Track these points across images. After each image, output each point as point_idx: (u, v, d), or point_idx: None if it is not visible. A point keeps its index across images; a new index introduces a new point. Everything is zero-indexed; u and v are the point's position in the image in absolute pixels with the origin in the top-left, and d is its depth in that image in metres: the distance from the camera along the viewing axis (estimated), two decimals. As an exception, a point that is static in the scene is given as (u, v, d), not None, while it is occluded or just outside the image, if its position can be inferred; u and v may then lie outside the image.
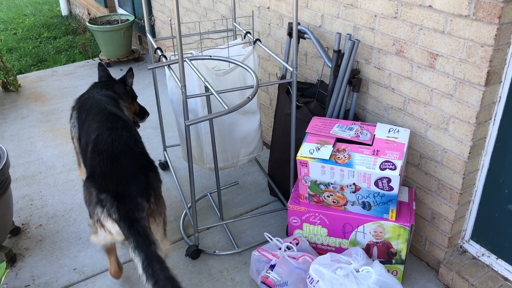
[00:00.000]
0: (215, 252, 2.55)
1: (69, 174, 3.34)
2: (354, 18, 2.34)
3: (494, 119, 1.99)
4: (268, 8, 3.01)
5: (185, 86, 2.09)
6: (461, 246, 2.33)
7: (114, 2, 6.41)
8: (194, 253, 2.51)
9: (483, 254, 2.26)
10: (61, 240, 2.71)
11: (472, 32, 1.82)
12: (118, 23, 5.25)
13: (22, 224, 2.85)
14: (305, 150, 2.15)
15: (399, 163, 2.00)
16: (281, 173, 2.79)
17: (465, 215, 2.24)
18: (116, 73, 5.17)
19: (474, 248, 2.29)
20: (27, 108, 4.41)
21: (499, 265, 2.19)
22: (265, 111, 3.48)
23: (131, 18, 5.34)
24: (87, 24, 5.22)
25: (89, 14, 6.20)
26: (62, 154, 3.59)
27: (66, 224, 2.83)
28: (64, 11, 8.04)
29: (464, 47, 1.87)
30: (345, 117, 2.48)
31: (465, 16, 1.82)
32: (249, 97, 2.10)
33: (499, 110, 1.96)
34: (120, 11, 6.28)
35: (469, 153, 2.01)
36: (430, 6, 1.95)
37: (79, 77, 5.08)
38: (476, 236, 2.28)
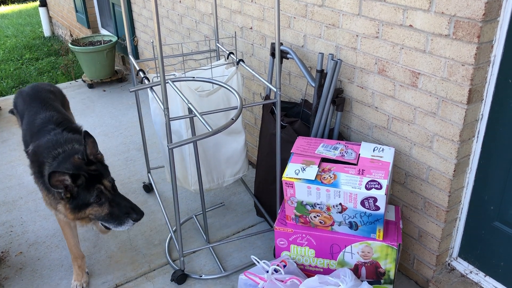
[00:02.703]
0: (201, 276, 2.50)
1: (51, 198, 3.26)
2: (336, 38, 2.36)
3: (478, 137, 2.00)
4: (251, 28, 3.02)
5: (167, 108, 2.07)
6: (449, 264, 2.32)
7: (97, 23, 6.40)
8: (180, 278, 2.46)
9: (471, 272, 2.25)
10: (42, 267, 2.63)
11: (453, 51, 1.84)
12: (100, 44, 5.23)
13: (2, 252, 2.76)
14: (291, 171, 2.14)
15: (384, 182, 1.99)
16: (267, 193, 2.76)
17: (452, 232, 2.23)
18: (99, 94, 5.13)
19: (462, 266, 2.28)
20: (7, 131, 4.33)
21: (488, 283, 2.18)
22: (250, 131, 3.47)
23: (114, 39, 5.32)
24: (69, 45, 5.18)
25: (71, 35, 6.17)
26: (44, 178, 3.51)
27: (48, 251, 2.75)
28: (46, 32, 8.00)
29: (446, 66, 1.88)
30: (330, 136, 2.47)
31: (445, 35, 1.84)
32: (233, 119, 2.08)
33: (481, 127, 1.97)
34: (103, 31, 6.27)
35: (454, 170, 2.01)
36: (410, 25, 1.96)
37: (62, 98, 5.02)
38: (464, 253, 2.27)
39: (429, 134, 2.05)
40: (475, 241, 2.19)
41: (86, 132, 2.11)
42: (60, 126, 2.47)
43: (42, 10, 7.91)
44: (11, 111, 3.01)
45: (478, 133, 1.99)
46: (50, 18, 8.06)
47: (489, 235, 2.12)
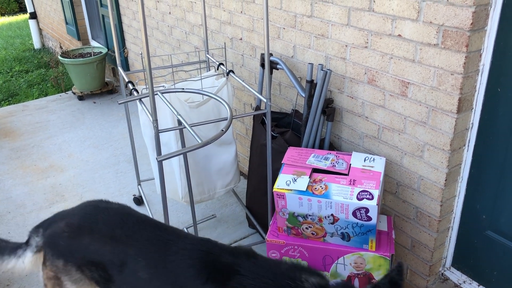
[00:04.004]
0: (192, 290, 2.45)
1: (40, 212, 3.21)
2: (326, 48, 2.35)
3: (468, 146, 2.00)
4: (241, 39, 3.01)
5: (156, 120, 2.05)
6: (442, 274, 2.30)
7: (87, 35, 6.38)
8: (171, 292, 2.42)
9: (464, 282, 2.23)
10: (31, 284, 2.57)
11: (442, 60, 1.84)
12: (91, 55, 5.21)
13: (-11, 268, 2.71)
14: (282, 182, 2.12)
15: (376, 193, 1.98)
16: (259, 204, 2.74)
17: (445, 242, 2.22)
18: (89, 106, 5.09)
19: (456, 276, 2.27)
20: (-4, 144, 4.28)
21: (481, 292, 2.17)
22: (241, 141, 3.45)
23: (104, 50, 5.30)
24: (59, 57, 5.15)
25: (61, 47, 6.14)
26: (33, 192, 3.47)
27: (36, 266, 2.70)
28: (36, 45, 7.97)
29: (435, 75, 1.88)
30: (321, 146, 2.46)
31: (434, 45, 1.84)
32: (223, 130, 2.07)
33: (472, 136, 1.97)
34: (94, 43, 6.25)
35: (445, 180, 2.00)
36: (399, 35, 1.97)
37: (51, 111, 4.98)
38: (457, 263, 2.25)
39: (419, 144, 2.05)
40: (468, 250, 2.18)
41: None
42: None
43: (32, 23, 7.88)
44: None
45: (469, 142, 1.99)
46: (40, 30, 8.04)
47: (482, 244, 2.11)
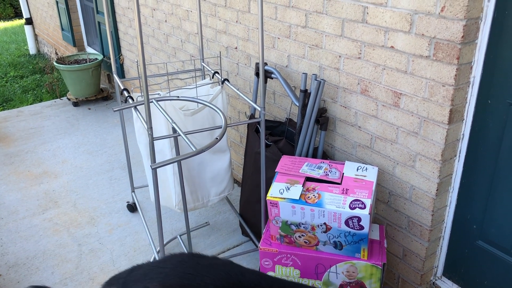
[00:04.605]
0: (185, 297, 2.45)
1: (33, 219, 3.21)
2: (320, 58, 2.38)
3: (459, 156, 2.02)
4: (236, 48, 3.04)
5: (151, 128, 2.06)
6: (433, 283, 2.32)
7: (83, 41, 6.39)
8: (163, 299, 2.41)
9: (455, 291, 2.25)
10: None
11: (433, 72, 1.87)
12: (86, 62, 5.22)
13: (-20, 275, 2.70)
14: (275, 190, 2.13)
15: (368, 202, 2.00)
16: (252, 212, 2.75)
17: (436, 251, 2.24)
18: (84, 112, 5.09)
19: (447, 285, 2.28)
20: (-11, 150, 4.27)
21: (472, 302, 2.18)
22: (235, 149, 3.47)
23: (100, 57, 5.31)
24: (55, 63, 5.16)
25: (57, 53, 6.15)
26: (26, 198, 3.46)
27: (28, 273, 2.69)
28: (32, 50, 7.97)
29: (427, 86, 1.91)
30: (314, 155, 2.48)
31: (426, 56, 1.87)
32: (217, 138, 2.08)
33: (463, 147, 2.00)
34: (89, 50, 6.26)
35: (437, 189, 2.03)
36: (392, 47, 2.00)
37: (46, 117, 4.98)
38: (448, 272, 2.27)
39: (411, 154, 2.07)
40: (459, 260, 2.20)
41: None
42: None
43: (27, 28, 7.89)
44: None
45: (460, 153, 2.02)
46: (35, 36, 8.04)
47: (473, 254, 2.13)
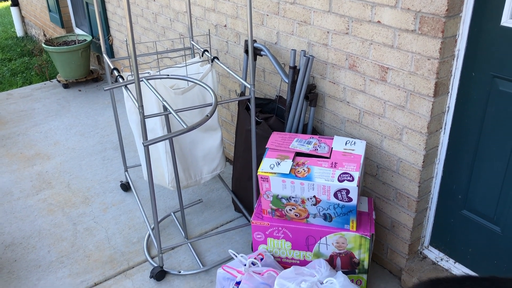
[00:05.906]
0: (180, 272, 2.52)
1: (27, 199, 3.24)
2: (308, 34, 2.40)
3: (445, 128, 2.07)
4: (225, 26, 3.04)
5: (142, 106, 2.08)
6: (421, 252, 2.39)
7: (71, 23, 6.32)
8: (159, 274, 2.48)
9: (442, 259, 2.33)
10: (19, 269, 2.61)
11: (419, 46, 1.90)
12: (75, 43, 5.18)
13: (-23, 255, 2.74)
14: (266, 166, 2.17)
15: (356, 174, 2.05)
16: (244, 189, 2.80)
17: (423, 222, 2.31)
18: (75, 94, 5.08)
19: (434, 254, 2.36)
20: (-19, 133, 4.26)
21: (457, 269, 2.26)
22: (226, 128, 3.50)
23: (89, 38, 5.27)
24: (43, 45, 5.11)
25: (45, 35, 6.08)
26: (20, 180, 3.48)
27: (25, 252, 2.73)
28: (19, 33, 7.86)
29: (412, 60, 1.94)
30: (304, 131, 2.52)
31: (412, 30, 1.90)
32: (207, 115, 2.11)
33: (448, 119, 2.05)
34: (78, 31, 6.20)
35: (423, 161, 2.08)
36: (378, 21, 2.02)
37: (36, 99, 4.96)
38: (435, 241, 2.35)
39: (398, 127, 2.12)
40: (445, 229, 2.27)
41: None
42: None
43: (14, 10, 7.77)
44: None
45: (445, 125, 2.07)
46: (22, 18, 7.92)
47: (458, 223, 2.20)
